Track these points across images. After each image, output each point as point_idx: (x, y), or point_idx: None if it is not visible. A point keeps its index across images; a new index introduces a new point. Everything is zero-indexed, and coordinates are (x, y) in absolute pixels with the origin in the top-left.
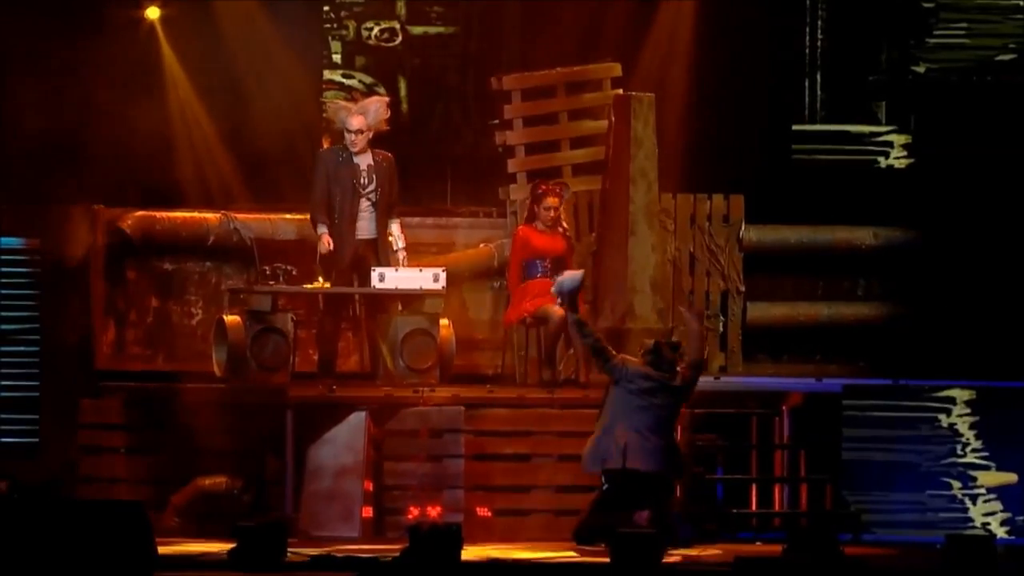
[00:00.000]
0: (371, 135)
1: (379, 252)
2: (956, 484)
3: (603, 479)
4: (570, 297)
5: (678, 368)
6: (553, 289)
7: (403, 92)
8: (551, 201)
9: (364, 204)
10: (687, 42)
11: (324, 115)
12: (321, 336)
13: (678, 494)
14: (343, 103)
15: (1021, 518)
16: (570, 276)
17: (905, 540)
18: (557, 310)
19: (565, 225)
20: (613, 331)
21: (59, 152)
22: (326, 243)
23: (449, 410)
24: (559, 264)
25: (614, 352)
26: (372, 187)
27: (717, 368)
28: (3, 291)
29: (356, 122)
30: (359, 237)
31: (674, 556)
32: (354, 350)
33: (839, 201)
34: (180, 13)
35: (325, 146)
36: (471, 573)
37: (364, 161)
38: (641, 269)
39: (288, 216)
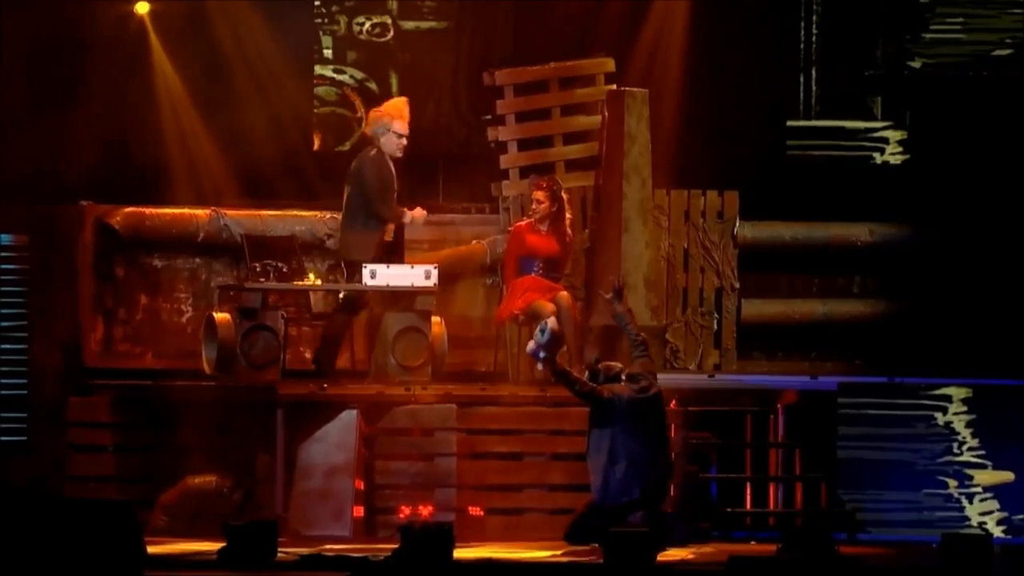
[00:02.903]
0: None
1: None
2: (952, 483)
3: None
4: (549, 348)
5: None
6: (532, 345)
7: (394, 88)
8: (535, 195)
9: None
10: (681, 37)
11: (364, 120)
12: (331, 333)
13: (672, 493)
14: (382, 111)
15: (1018, 517)
16: (548, 325)
17: (901, 539)
18: (548, 306)
19: (569, 216)
20: (607, 329)
21: (47, 148)
22: (420, 212)
23: (441, 408)
24: (551, 264)
25: (599, 388)
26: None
27: (712, 366)
28: None
29: (404, 127)
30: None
31: (668, 556)
32: (345, 348)
33: (834, 197)
34: (169, 7)
35: (316, 143)
36: (463, 573)
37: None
38: (635, 266)
39: (279, 213)
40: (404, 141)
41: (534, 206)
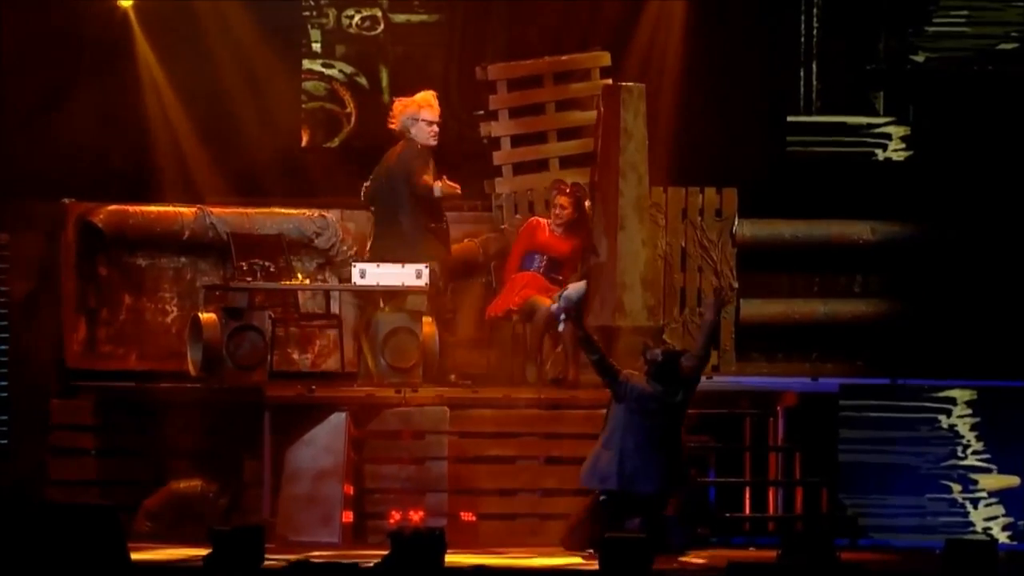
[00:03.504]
0: None
1: None
2: (956, 487)
3: (600, 492)
4: (576, 310)
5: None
6: (559, 302)
7: (385, 82)
8: (559, 200)
9: None
10: (678, 30)
11: (389, 117)
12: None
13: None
14: (406, 101)
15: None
16: (575, 288)
17: (904, 545)
18: (544, 301)
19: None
20: (602, 329)
21: (28, 144)
22: (447, 183)
23: (432, 411)
24: (554, 264)
25: (619, 368)
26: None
27: (710, 367)
28: None
29: (432, 113)
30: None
31: (665, 562)
32: (333, 349)
33: (836, 195)
34: (155, 1)
35: (305, 139)
36: None
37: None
38: (631, 265)
39: (266, 211)
40: (435, 128)
41: (556, 210)
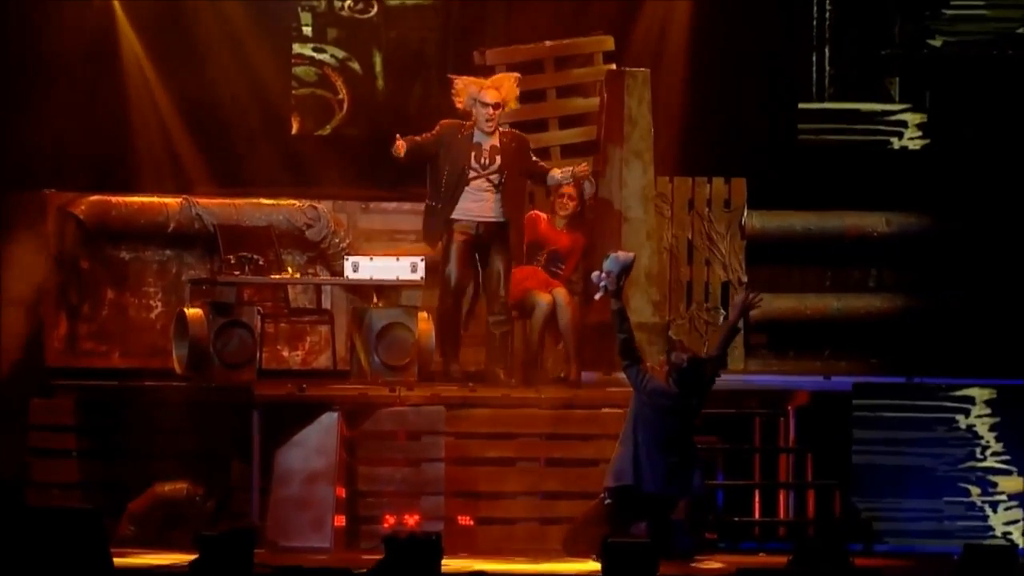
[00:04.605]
0: (502, 112)
1: (511, 233)
2: (975, 490)
3: (605, 494)
4: (617, 280)
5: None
6: (604, 265)
7: (378, 67)
8: (566, 189)
9: (483, 185)
10: (685, 13)
11: (452, 92)
12: (443, 323)
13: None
14: (471, 79)
15: None
16: (624, 254)
17: (920, 550)
18: (544, 297)
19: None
20: (603, 325)
21: (6, 132)
22: (399, 145)
23: (428, 410)
24: (554, 257)
25: (641, 357)
26: (495, 167)
27: None
28: None
29: (492, 96)
30: (478, 218)
31: (671, 568)
32: (325, 346)
33: (849, 185)
34: None
35: (295, 126)
36: None
37: (488, 141)
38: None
39: (255, 201)
40: (491, 111)
41: (563, 200)
